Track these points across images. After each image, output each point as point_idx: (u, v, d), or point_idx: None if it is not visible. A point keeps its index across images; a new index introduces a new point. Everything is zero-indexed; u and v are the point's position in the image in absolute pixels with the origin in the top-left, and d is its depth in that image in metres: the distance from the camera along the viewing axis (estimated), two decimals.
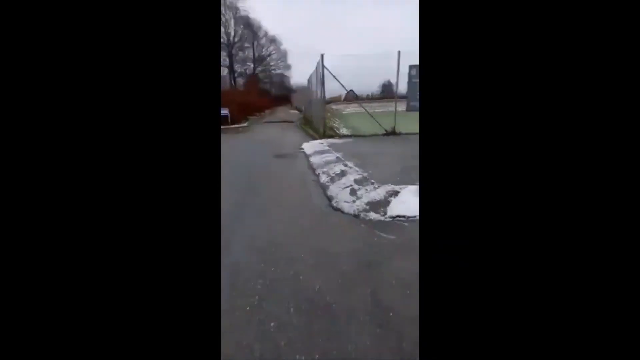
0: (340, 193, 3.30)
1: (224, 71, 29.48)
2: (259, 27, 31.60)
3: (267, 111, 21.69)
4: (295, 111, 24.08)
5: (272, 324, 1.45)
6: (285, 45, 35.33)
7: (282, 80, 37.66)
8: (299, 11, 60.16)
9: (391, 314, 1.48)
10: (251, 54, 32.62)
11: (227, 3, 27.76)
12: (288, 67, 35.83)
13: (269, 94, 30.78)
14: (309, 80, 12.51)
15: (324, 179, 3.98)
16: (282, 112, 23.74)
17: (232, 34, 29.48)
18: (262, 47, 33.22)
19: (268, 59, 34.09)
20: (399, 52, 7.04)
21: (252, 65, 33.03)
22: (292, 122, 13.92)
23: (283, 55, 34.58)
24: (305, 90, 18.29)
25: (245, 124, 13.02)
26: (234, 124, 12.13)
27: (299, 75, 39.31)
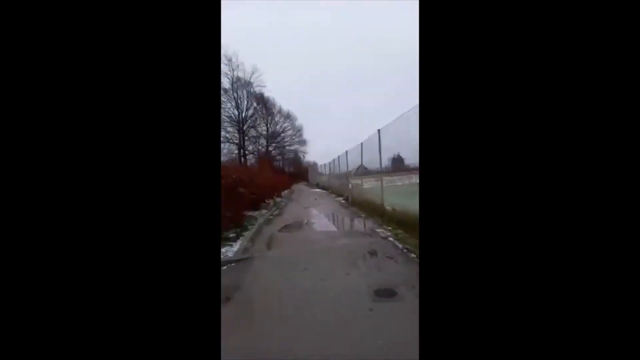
0: None
1: (233, 149, 26.14)
2: (273, 104, 29.74)
3: (284, 193, 16.62)
4: (318, 189, 19.22)
5: None
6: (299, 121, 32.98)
7: (298, 157, 34.39)
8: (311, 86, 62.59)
9: None
10: (264, 130, 30.04)
11: (242, 80, 26.18)
12: (303, 142, 32.82)
13: (284, 171, 26.58)
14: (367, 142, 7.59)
15: None
16: (306, 192, 18.62)
17: (245, 110, 27.23)
18: (277, 124, 30.86)
19: (282, 134, 31.37)
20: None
21: (265, 142, 30.09)
22: (336, 225, 8.29)
23: (298, 131, 31.98)
24: (333, 165, 14.00)
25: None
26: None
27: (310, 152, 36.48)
